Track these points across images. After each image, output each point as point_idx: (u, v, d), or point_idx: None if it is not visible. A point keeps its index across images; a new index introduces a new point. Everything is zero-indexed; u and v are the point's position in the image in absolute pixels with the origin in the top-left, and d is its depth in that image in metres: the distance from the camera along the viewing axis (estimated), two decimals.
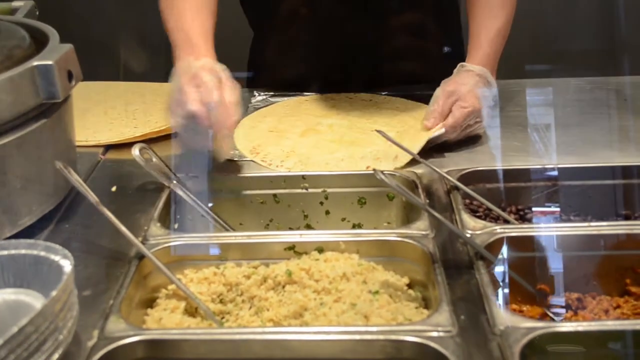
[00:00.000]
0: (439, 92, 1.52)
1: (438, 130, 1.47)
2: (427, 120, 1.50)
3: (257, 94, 1.84)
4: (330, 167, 1.44)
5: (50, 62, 1.18)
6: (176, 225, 1.33)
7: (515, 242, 1.16)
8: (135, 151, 1.30)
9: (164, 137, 1.58)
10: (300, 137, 1.57)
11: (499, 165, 1.41)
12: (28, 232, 1.20)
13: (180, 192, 1.31)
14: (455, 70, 1.57)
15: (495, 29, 1.59)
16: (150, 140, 1.58)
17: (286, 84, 1.85)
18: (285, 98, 1.81)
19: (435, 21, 1.85)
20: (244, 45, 1.95)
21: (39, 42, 1.28)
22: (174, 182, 1.33)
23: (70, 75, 1.23)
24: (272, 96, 1.83)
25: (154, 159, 1.33)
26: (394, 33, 1.81)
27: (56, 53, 1.21)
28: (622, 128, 1.62)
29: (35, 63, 1.18)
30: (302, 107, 1.75)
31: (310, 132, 1.59)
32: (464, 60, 1.58)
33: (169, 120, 1.40)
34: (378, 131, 1.46)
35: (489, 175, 1.38)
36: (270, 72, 1.90)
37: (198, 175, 1.38)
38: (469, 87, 1.50)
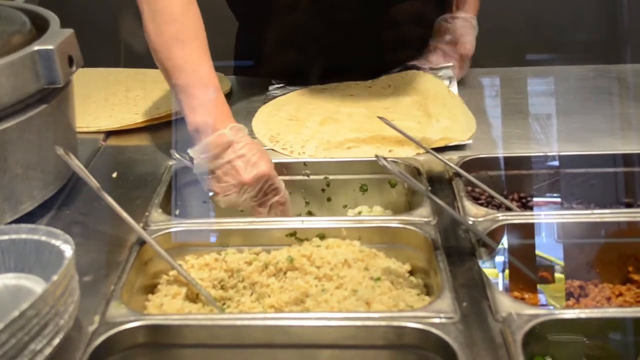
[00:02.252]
0: (464, 45, 1.78)
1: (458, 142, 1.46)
2: (436, 58, 1.78)
3: (274, 82, 1.82)
4: (352, 153, 1.44)
5: (50, 47, 1.18)
6: (177, 211, 1.32)
7: (518, 230, 1.16)
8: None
9: (164, 123, 1.58)
10: (319, 126, 1.56)
11: (501, 153, 1.41)
12: (29, 218, 1.20)
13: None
14: (467, 18, 1.81)
15: None
16: (151, 127, 1.58)
17: (288, 74, 1.84)
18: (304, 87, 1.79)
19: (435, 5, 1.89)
20: (224, 34, 1.93)
21: (40, 27, 1.27)
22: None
23: (71, 60, 1.22)
24: (288, 83, 1.81)
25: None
26: (395, 18, 1.81)
27: (57, 38, 1.21)
28: (624, 116, 1.61)
29: (36, 48, 1.17)
30: (320, 95, 1.72)
31: (329, 121, 1.57)
32: None
33: (222, 190, 1.27)
34: (380, 118, 1.45)
35: (491, 163, 1.37)
36: (269, 61, 1.89)
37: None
38: (471, 38, 1.80)
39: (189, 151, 1.28)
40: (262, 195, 1.28)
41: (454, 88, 1.73)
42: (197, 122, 1.27)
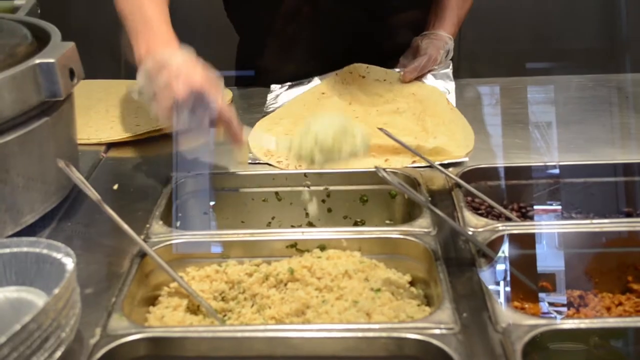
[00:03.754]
0: (425, 57, 1.76)
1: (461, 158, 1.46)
2: (410, 74, 1.75)
3: (273, 88, 1.82)
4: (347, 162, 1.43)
5: (52, 60, 1.18)
6: (178, 223, 1.33)
7: (517, 240, 1.16)
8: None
9: (166, 135, 1.58)
10: None
11: (500, 163, 1.41)
12: (30, 230, 1.21)
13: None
14: (438, 34, 1.82)
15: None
16: (152, 139, 1.59)
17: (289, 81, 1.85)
18: (301, 89, 1.79)
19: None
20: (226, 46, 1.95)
21: (41, 40, 1.28)
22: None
23: (72, 73, 1.23)
24: (288, 88, 1.81)
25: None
26: (394, 27, 1.83)
27: (58, 51, 1.22)
28: (623, 125, 1.62)
29: (37, 61, 1.18)
30: (319, 103, 1.72)
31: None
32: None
33: (162, 113, 1.27)
34: (380, 129, 1.46)
35: (491, 173, 1.38)
36: (270, 70, 1.90)
37: (199, 172, 1.38)
38: (441, 58, 1.81)
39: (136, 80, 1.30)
40: (197, 112, 1.26)
41: (452, 97, 1.73)
42: (141, 53, 1.34)
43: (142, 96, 1.30)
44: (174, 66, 1.27)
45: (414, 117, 1.62)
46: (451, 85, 1.78)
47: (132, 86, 1.35)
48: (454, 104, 1.70)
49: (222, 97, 1.30)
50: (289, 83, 1.84)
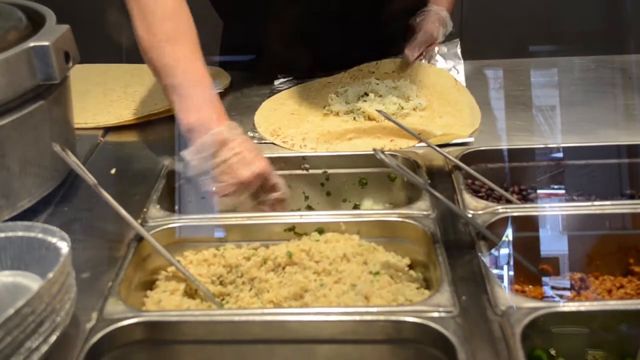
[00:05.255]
0: (424, 33, 1.75)
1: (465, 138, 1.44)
2: (411, 51, 1.73)
3: (280, 77, 1.81)
4: (353, 144, 1.43)
5: (46, 43, 1.17)
6: (176, 207, 1.32)
7: (518, 222, 1.15)
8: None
9: (163, 119, 1.58)
10: (321, 120, 1.55)
11: (501, 145, 1.40)
12: (27, 215, 1.20)
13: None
14: (433, 10, 1.79)
15: None
16: (150, 123, 1.58)
17: (287, 68, 1.83)
18: (308, 80, 1.78)
19: None
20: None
21: (36, 24, 1.27)
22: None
23: (67, 56, 1.22)
24: (295, 78, 1.80)
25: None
26: (392, 7, 1.82)
27: (53, 34, 1.20)
28: (626, 107, 1.60)
29: (32, 44, 1.17)
30: (324, 90, 1.71)
31: (330, 115, 1.57)
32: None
33: (222, 192, 1.23)
34: (379, 111, 1.45)
35: (491, 155, 1.37)
36: (268, 56, 1.88)
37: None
38: (439, 38, 1.78)
39: (183, 153, 1.24)
40: (261, 194, 1.26)
41: (461, 77, 1.72)
42: (190, 122, 1.25)
43: (192, 170, 1.24)
44: (235, 146, 1.22)
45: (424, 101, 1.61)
46: (460, 65, 1.78)
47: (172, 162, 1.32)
48: (464, 84, 1.69)
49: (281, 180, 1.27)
50: (293, 78, 1.81)
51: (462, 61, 1.79)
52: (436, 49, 1.79)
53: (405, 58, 1.74)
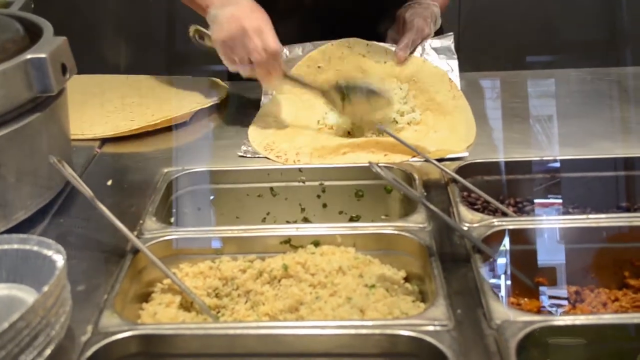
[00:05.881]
0: (412, 31, 1.69)
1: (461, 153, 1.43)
2: (402, 52, 1.67)
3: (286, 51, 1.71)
4: (347, 158, 1.43)
5: (43, 56, 1.17)
6: (172, 219, 1.32)
7: (513, 235, 1.15)
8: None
9: (160, 130, 1.58)
10: (316, 134, 1.55)
11: (497, 158, 1.40)
12: (23, 226, 1.20)
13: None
14: (423, 3, 1.76)
15: None
16: (147, 134, 1.58)
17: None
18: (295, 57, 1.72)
19: None
20: None
21: (33, 35, 1.27)
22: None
23: (64, 68, 1.22)
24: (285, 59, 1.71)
25: None
26: (387, 20, 1.81)
27: (49, 46, 1.21)
28: (622, 119, 1.60)
29: (29, 56, 1.17)
30: (319, 102, 1.64)
31: (326, 128, 1.57)
32: None
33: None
34: (378, 126, 1.46)
35: (487, 168, 1.37)
36: None
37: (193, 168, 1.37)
38: (429, 33, 1.72)
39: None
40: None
41: (455, 75, 1.66)
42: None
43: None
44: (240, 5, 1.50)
45: (416, 108, 1.60)
46: (454, 62, 1.68)
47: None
48: (458, 83, 1.64)
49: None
50: (286, 50, 1.72)
51: (455, 56, 1.69)
52: (429, 41, 1.71)
53: (397, 58, 1.67)
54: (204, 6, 1.57)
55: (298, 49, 1.71)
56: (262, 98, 1.70)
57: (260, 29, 1.48)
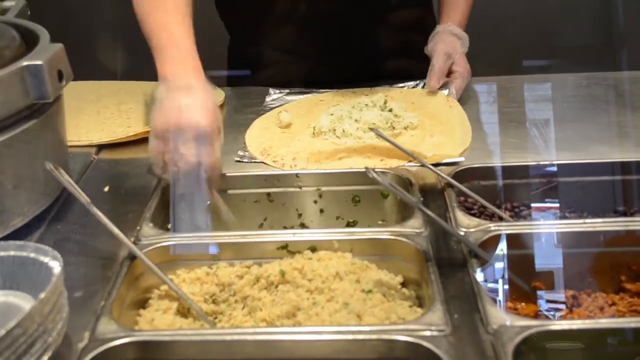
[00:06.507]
0: (437, 55, 1.70)
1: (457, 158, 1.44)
2: (433, 81, 1.69)
3: (272, 92, 1.80)
4: (343, 163, 1.43)
5: (39, 62, 1.18)
6: (169, 225, 1.32)
7: (510, 240, 1.15)
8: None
9: None
10: (312, 139, 1.55)
11: (493, 162, 1.40)
12: (20, 233, 1.20)
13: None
14: (441, 29, 1.76)
15: None
16: (143, 140, 1.57)
17: (285, 80, 1.84)
18: (301, 96, 1.78)
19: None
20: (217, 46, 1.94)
21: (30, 42, 1.27)
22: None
23: (60, 75, 1.22)
24: (287, 94, 1.80)
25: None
26: (392, 25, 1.82)
27: (46, 53, 1.21)
28: (619, 124, 1.61)
29: (25, 63, 1.17)
30: (316, 108, 1.70)
31: (321, 134, 1.57)
32: None
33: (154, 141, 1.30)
34: (372, 129, 1.46)
35: (484, 173, 1.37)
36: (265, 69, 1.89)
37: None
38: (458, 52, 1.73)
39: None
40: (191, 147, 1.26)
41: (453, 94, 1.69)
42: (165, 72, 1.36)
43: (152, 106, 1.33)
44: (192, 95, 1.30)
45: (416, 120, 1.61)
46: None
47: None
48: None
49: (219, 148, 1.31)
50: (287, 90, 1.81)
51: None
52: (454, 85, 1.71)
53: (430, 89, 1.70)
54: (158, 69, 1.39)
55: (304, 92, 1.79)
56: (266, 100, 1.75)
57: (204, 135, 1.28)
